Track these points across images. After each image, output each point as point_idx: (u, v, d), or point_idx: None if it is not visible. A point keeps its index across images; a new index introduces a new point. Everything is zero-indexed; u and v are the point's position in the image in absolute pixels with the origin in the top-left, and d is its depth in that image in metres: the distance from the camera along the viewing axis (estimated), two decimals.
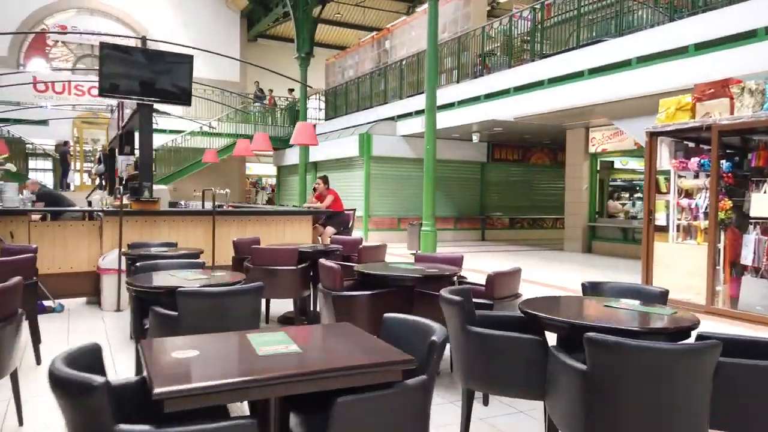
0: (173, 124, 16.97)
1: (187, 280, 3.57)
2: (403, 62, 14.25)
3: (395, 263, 4.66)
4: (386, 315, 2.37)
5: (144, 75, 6.65)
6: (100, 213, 6.52)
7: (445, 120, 11.63)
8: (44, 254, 5.91)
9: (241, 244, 5.85)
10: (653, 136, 6.07)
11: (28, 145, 18.19)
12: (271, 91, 19.80)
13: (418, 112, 12.58)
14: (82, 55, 20.54)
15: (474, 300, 3.16)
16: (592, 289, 3.39)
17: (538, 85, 9.71)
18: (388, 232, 13.68)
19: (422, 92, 11.12)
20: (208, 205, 7.36)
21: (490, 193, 15.71)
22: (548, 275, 8.16)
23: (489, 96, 10.98)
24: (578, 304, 3.11)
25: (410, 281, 3.93)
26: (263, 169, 24.11)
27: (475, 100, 11.35)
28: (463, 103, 11.76)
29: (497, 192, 15.84)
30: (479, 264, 8.33)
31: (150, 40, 8.07)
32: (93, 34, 18.02)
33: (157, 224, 6.73)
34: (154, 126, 7.68)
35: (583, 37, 9.20)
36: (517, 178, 16.13)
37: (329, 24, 22.55)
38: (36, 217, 6.38)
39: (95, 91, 19.03)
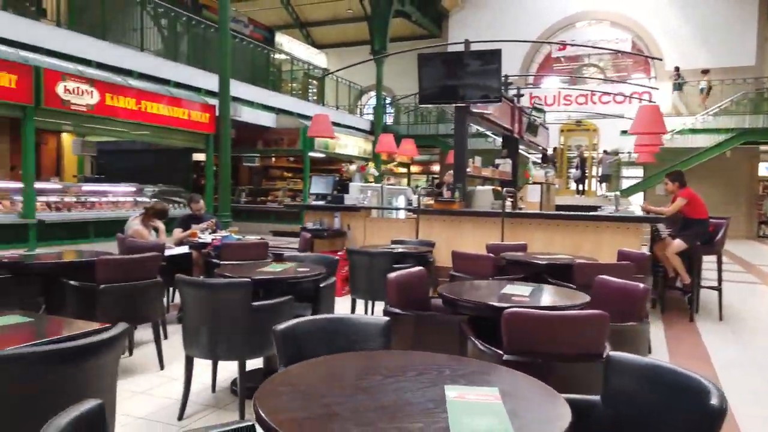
0: None
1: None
2: None
3: None
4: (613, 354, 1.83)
5: (454, 79, 6.89)
6: (412, 211, 7.22)
7: None
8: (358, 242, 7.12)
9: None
10: None
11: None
12: None
13: None
14: (580, 65, 21.57)
15: None
16: None
17: None
18: None
19: None
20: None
21: None
22: None
23: None
24: None
25: None
26: None
27: None
28: None
29: None
30: None
31: (473, 42, 8.10)
32: (584, 46, 18.75)
33: (459, 224, 6.87)
34: None
35: None
36: None
37: None
38: (374, 213, 7.67)
39: (581, 99, 19.82)
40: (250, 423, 1.63)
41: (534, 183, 10.79)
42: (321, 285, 3.86)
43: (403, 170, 22.54)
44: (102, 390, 1.84)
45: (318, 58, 22.84)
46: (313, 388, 1.65)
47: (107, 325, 2.15)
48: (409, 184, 21.80)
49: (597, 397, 1.80)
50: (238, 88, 12.47)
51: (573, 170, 17.96)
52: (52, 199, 9.39)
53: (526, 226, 6.56)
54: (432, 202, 7.38)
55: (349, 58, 17.60)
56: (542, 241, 6.39)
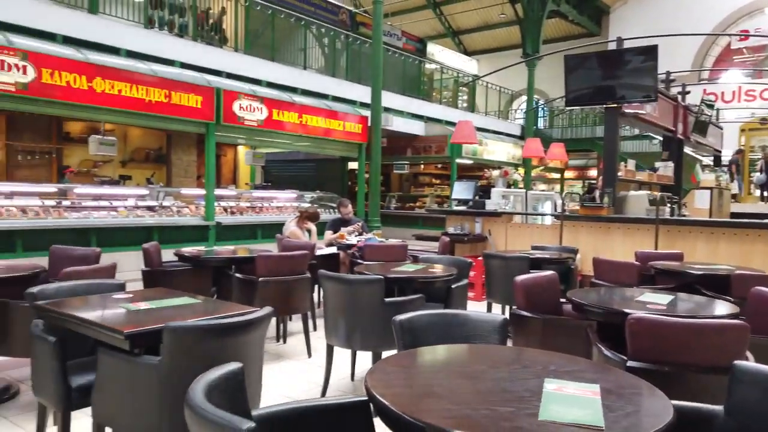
0: None
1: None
2: None
3: None
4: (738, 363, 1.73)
5: (604, 79, 6.56)
6: (555, 216, 6.99)
7: None
8: (499, 248, 7.06)
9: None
10: None
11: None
12: None
13: None
14: (765, 56, 18.96)
15: None
16: None
17: None
18: None
19: None
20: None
21: None
22: None
23: None
24: None
25: None
26: None
27: None
28: None
29: None
30: None
31: (639, 38, 7.59)
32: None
33: (608, 231, 6.53)
34: None
35: None
36: None
37: None
38: (517, 219, 7.56)
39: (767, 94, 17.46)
40: (365, 399, 1.81)
41: (703, 188, 9.78)
42: (452, 286, 3.98)
43: (556, 175, 21.66)
44: (249, 359, 2.16)
45: (469, 65, 22.94)
46: (419, 371, 1.79)
47: (255, 309, 2.49)
48: (562, 190, 20.92)
49: (720, 407, 1.69)
50: (389, 99, 13.08)
51: (757, 174, 15.84)
52: (228, 204, 10.69)
53: (685, 235, 6.03)
54: (578, 207, 7.10)
55: (500, 63, 17.44)
56: (704, 251, 5.83)
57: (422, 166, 17.37)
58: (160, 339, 2.13)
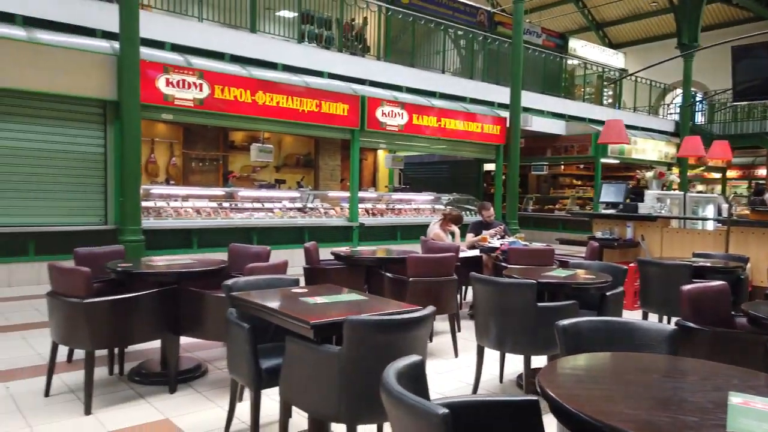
0: None
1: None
2: None
3: None
4: None
5: None
6: (720, 221, 6.40)
7: None
8: (653, 254, 6.62)
9: None
10: None
11: None
12: None
13: None
14: None
15: None
16: None
17: None
18: None
19: None
20: None
21: None
22: None
23: None
24: None
25: None
26: None
27: None
28: None
29: None
30: None
31: None
32: None
33: None
34: None
35: None
36: None
37: None
38: (674, 223, 7.03)
39: None
40: (534, 398, 1.89)
41: None
42: (607, 293, 3.87)
43: (717, 175, 19.65)
44: (417, 353, 2.33)
45: (614, 59, 21.65)
46: (591, 375, 1.83)
47: (418, 307, 2.67)
48: (724, 192, 18.94)
49: None
50: (529, 98, 12.82)
51: None
52: (369, 206, 11.20)
53: None
54: (748, 212, 6.45)
55: (650, 55, 16.28)
56: None
57: (562, 167, 16.74)
58: (337, 330, 2.38)
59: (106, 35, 7.89)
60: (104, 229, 7.56)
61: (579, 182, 16.68)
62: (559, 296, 3.73)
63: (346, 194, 10.74)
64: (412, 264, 4.53)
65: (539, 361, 3.81)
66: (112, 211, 7.69)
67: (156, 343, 3.86)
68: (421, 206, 12.02)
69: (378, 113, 10.25)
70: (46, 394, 3.49)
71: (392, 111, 10.48)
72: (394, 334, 2.36)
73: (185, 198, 9.17)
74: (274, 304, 2.69)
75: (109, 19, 7.70)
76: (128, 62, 7.24)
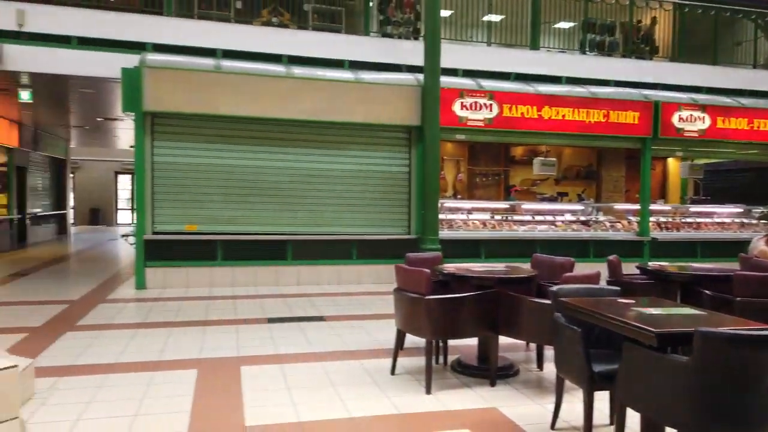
0: None
1: None
2: None
3: None
4: None
5: None
6: None
7: None
8: None
9: None
10: None
11: None
12: None
13: None
14: None
15: None
16: None
17: None
18: None
19: None
20: None
21: None
22: None
23: None
24: None
25: None
26: None
27: None
28: None
29: None
30: None
31: None
32: None
33: None
34: None
35: None
36: None
37: None
38: None
39: None
40: None
41: None
42: None
43: None
44: None
45: None
46: None
47: None
48: None
49: None
50: None
51: None
52: (662, 219, 10.34)
53: None
54: None
55: None
56: None
57: None
58: (682, 341, 2.38)
59: (410, 69, 9.03)
60: (408, 239, 8.62)
61: None
62: None
63: (634, 206, 10.13)
64: (742, 282, 4.13)
65: None
66: (414, 222, 8.73)
67: (468, 341, 4.34)
68: (726, 220, 10.60)
69: (674, 119, 9.45)
70: (392, 372, 4.21)
71: (691, 115, 9.55)
72: (747, 350, 2.26)
73: (470, 211, 9.84)
74: (609, 312, 2.81)
75: (413, 55, 8.81)
76: (430, 91, 8.18)
